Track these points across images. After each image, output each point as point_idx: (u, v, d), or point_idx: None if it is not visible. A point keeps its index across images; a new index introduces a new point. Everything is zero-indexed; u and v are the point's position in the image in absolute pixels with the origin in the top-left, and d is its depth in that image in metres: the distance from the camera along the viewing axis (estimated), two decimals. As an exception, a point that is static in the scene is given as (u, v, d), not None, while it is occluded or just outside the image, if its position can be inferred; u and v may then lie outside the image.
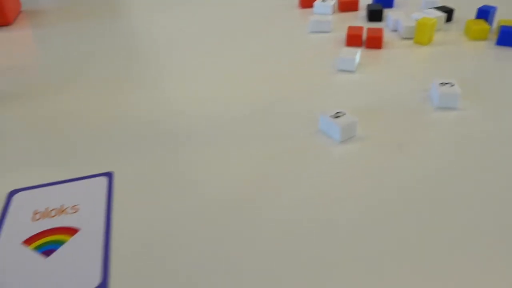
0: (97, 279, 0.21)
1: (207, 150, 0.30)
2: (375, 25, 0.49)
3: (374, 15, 0.49)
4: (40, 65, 0.45)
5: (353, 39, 0.44)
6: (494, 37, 0.45)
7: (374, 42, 0.43)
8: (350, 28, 0.45)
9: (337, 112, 0.31)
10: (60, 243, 0.23)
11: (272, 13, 0.56)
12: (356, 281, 0.21)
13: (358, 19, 0.52)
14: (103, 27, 0.54)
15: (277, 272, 0.22)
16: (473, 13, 0.51)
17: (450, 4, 0.54)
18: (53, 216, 0.25)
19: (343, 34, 0.48)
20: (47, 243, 0.23)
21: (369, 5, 0.50)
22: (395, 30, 0.47)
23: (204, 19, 0.55)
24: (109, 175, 0.28)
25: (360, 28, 0.45)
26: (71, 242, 0.23)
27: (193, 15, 0.56)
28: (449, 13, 0.48)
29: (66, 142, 0.32)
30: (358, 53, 0.39)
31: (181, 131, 0.33)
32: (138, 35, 0.51)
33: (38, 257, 0.22)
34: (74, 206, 0.25)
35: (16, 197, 0.26)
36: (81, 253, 0.22)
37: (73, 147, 0.31)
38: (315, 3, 0.52)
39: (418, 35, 0.44)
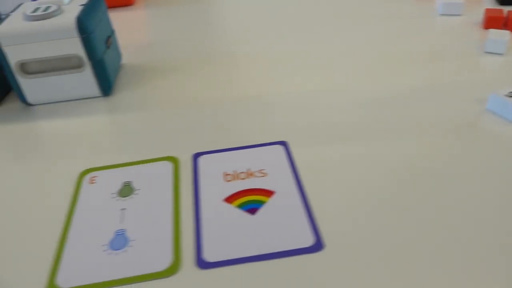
0: (309, 238, 0.22)
1: (371, 134, 0.30)
2: (507, 8, 0.47)
3: (508, -2, 0.47)
4: (166, 41, 0.47)
5: (493, 21, 0.42)
6: None
7: (518, 25, 0.41)
8: (487, 10, 0.43)
9: (511, 92, 0.30)
10: (260, 202, 0.24)
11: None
12: None
13: (484, 2, 0.50)
14: (206, 8, 0.56)
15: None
16: None
17: None
18: (243, 179, 0.26)
19: (475, 17, 0.46)
20: (248, 202, 0.24)
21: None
22: (534, 14, 0.45)
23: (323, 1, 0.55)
24: (283, 143, 0.29)
25: (500, 10, 0.43)
26: (271, 203, 0.24)
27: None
28: None
29: (229, 113, 0.33)
30: (507, 35, 0.38)
31: (336, 111, 0.33)
32: (247, 15, 0.53)
33: (245, 214, 0.24)
34: (261, 170, 0.26)
35: (201, 159, 0.28)
36: (284, 213, 0.23)
37: (236, 118, 0.32)
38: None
39: None
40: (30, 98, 0.35)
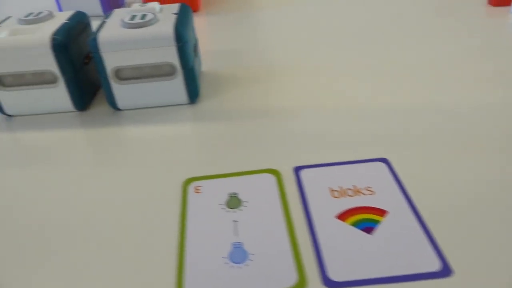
0: (435, 262, 0.21)
1: (470, 148, 0.30)
2: None
3: None
4: (236, 48, 0.48)
5: None
6: None
7: None
8: None
9: None
10: (375, 222, 0.24)
11: (456, 10, 0.54)
12: None
13: None
14: (268, 15, 0.56)
15: None
16: None
17: None
18: (350, 196, 0.26)
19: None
20: (362, 220, 0.24)
21: None
22: None
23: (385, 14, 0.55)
24: (384, 161, 0.28)
25: None
26: (386, 222, 0.24)
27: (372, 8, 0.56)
28: None
29: (320, 124, 0.33)
30: None
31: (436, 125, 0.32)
32: (312, 21, 0.52)
33: (361, 233, 0.23)
34: (367, 188, 0.26)
35: (303, 173, 0.28)
36: (402, 234, 0.23)
37: (329, 130, 0.32)
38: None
39: None
40: (120, 103, 0.36)
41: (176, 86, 0.35)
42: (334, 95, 0.37)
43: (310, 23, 0.54)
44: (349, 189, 0.26)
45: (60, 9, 0.60)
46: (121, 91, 0.35)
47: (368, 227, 0.24)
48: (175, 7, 0.37)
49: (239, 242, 0.23)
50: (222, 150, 0.31)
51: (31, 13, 0.37)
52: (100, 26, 0.34)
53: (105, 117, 0.36)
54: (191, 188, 0.27)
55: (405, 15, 0.54)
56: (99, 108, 0.38)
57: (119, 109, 0.36)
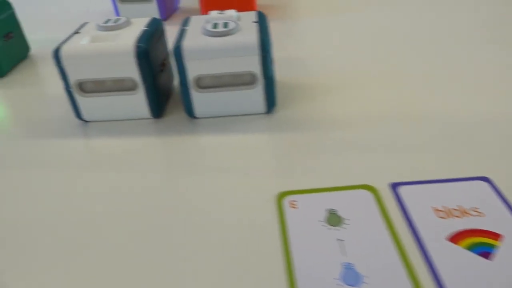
0: None
1: None
2: None
3: None
4: (302, 56, 0.47)
5: None
6: None
7: None
8: None
9: None
10: (491, 246, 0.23)
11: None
12: None
13: None
14: (330, 22, 0.55)
15: None
16: None
17: None
18: (457, 216, 0.25)
19: None
20: (477, 244, 0.23)
21: None
22: None
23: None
24: (486, 179, 0.27)
25: None
26: (504, 247, 0.22)
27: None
28: None
29: (407, 138, 0.32)
30: None
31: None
32: (377, 27, 0.51)
33: (478, 258, 0.22)
34: (474, 208, 0.25)
35: (402, 190, 0.27)
36: (524, 261, 0.22)
37: (417, 144, 0.31)
38: None
39: None
40: (197, 111, 0.35)
41: (255, 95, 0.34)
42: (416, 105, 0.36)
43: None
44: (455, 209, 0.25)
45: (117, 13, 0.61)
46: (199, 99, 0.35)
47: (484, 251, 0.22)
48: (253, 15, 0.37)
49: (349, 263, 0.22)
50: (307, 162, 0.30)
51: (109, 20, 0.37)
52: (181, 34, 0.34)
53: (181, 125, 0.36)
54: (286, 202, 0.27)
55: (476, 22, 0.52)
56: (174, 115, 0.37)
57: (195, 117, 0.36)
